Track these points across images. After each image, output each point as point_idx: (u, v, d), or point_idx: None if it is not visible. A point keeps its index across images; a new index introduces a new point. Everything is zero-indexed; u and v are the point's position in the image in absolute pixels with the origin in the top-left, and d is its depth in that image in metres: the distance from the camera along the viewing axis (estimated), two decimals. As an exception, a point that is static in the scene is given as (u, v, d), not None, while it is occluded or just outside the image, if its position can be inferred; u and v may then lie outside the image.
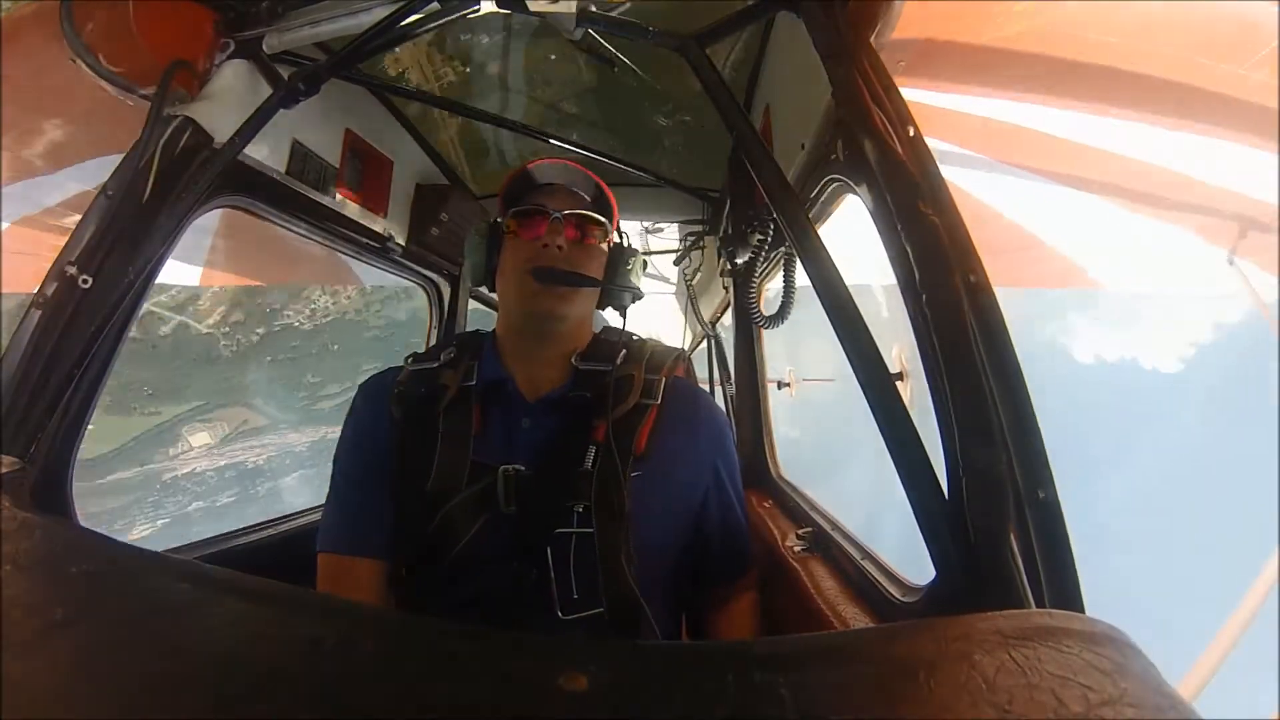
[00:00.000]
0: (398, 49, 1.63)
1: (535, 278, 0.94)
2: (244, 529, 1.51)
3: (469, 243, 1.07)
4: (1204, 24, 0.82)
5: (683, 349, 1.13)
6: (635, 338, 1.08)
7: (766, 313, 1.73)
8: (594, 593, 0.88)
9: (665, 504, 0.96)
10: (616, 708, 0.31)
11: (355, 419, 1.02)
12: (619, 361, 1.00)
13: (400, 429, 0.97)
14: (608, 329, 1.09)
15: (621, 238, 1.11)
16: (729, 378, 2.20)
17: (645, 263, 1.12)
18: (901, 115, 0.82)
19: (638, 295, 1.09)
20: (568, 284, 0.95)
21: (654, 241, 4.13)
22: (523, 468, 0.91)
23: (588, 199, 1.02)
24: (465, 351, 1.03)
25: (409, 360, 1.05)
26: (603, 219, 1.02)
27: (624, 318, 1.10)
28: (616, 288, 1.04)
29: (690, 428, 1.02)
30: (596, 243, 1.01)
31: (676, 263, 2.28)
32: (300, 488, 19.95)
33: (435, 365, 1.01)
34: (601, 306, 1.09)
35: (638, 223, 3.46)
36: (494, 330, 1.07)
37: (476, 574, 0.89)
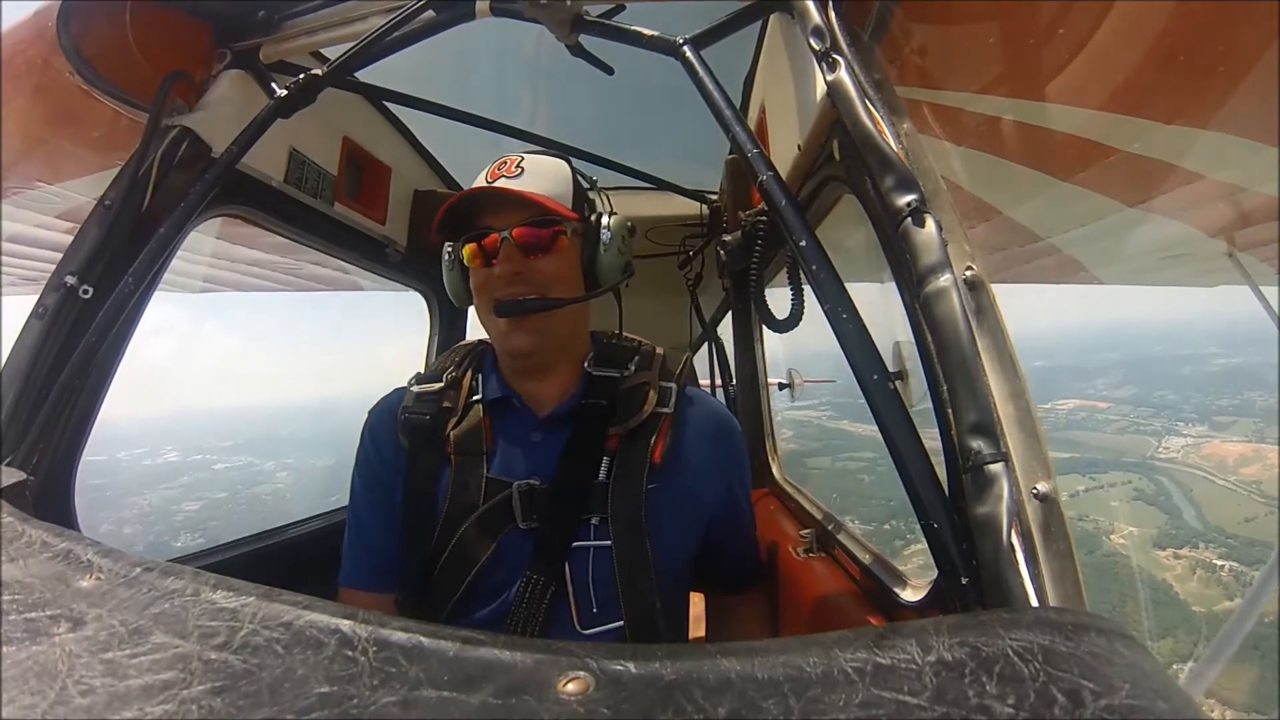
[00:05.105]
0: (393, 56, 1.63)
1: (499, 314, 0.90)
2: (248, 538, 1.51)
3: (444, 275, 1.02)
4: (1204, 20, 0.82)
5: (689, 352, 1.10)
6: (645, 344, 1.05)
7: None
8: (613, 606, 0.87)
9: (681, 515, 0.93)
10: (618, 708, 0.31)
11: (364, 453, 0.99)
12: (631, 368, 0.98)
13: (410, 457, 0.94)
14: (618, 335, 1.05)
15: (596, 207, 1.00)
16: (730, 379, 2.20)
17: (631, 229, 1.01)
18: (896, 113, 0.82)
19: (628, 274, 1.00)
20: (533, 311, 0.90)
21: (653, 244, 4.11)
22: (537, 482, 0.89)
23: (534, 195, 0.90)
24: (468, 367, 1.01)
25: (413, 381, 1.01)
26: (556, 214, 0.91)
27: (619, 301, 1.04)
28: (586, 297, 0.96)
29: (706, 438, 0.99)
30: (563, 243, 0.92)
31: (681, 267, 2.28)
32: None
33: (439, 386, 0.98)
34: (599, 295, 0.99)
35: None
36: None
37: (495, 590, 0.88)
